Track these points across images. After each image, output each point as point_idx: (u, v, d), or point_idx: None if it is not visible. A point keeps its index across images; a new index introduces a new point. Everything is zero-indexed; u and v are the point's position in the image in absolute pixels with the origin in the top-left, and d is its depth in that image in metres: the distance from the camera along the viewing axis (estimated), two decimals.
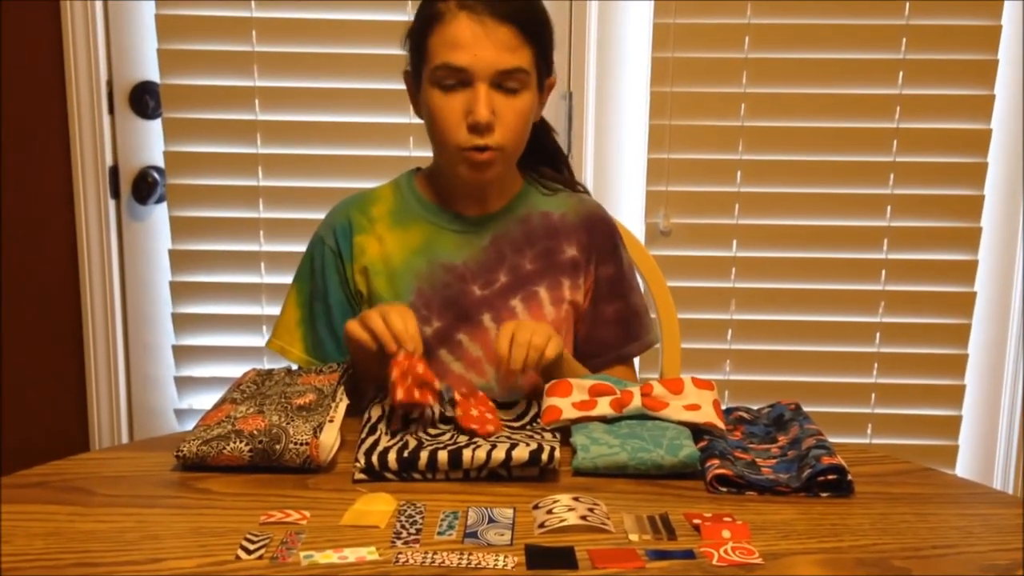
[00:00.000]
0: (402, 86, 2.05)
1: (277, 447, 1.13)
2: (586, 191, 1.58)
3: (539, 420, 1.25)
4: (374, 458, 1.12)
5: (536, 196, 1.50)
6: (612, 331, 1.50)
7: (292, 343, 1.48)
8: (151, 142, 2.16)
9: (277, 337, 1.49)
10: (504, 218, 1.47)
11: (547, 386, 1.28)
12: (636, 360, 1.58)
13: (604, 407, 1.23)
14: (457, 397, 1.25)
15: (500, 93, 1.34)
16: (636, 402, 1.22)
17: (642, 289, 1.59)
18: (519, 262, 1.45)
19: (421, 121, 2.04)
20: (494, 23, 1.32)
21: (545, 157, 1.54)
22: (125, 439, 2.24)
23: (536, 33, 1.37)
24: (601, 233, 1.51)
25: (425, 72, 1.36)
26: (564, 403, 1.24)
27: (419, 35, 1.37)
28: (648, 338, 1.53)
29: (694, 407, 1.22)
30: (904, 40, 2.07)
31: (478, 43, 1.31)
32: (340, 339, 1.44)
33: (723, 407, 1.32)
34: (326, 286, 1.47)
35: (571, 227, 1.49)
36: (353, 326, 1.29)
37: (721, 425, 1.22)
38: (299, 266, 1.51)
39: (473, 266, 1.44)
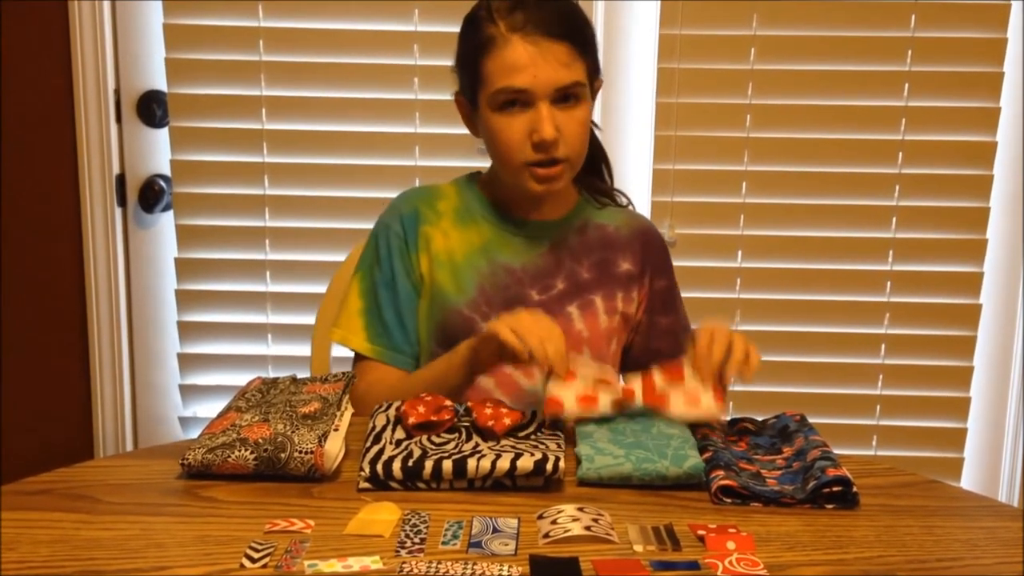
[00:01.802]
0: (409, 95, 2.10)
1: (282, 455, 1.13)
2: (630, 202, 1.60)
3: (544, 428, 1.25)
4: (379, 467, 1.12)
5: (590, 208, 1.53)
6: (667, 342, 1.52)
7: (354, 331, 1.47)
8: (158, 150, 2.16)
9: (339, 327, 1.49)
10: (562, 227, 1.49)
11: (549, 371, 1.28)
12: None
13: (605, 406, 1.24)
14: (470, 404, 1.26)
15: (560, 108, 1.36)
16: (638, 400, 1.24)
17: None
18: (576, 270, 1.48)
19: (426, 130, 2.10)
20: (548, 42, 1.34)
21: (590, 158, 1.53)
22: (130, 447, 2.24)
23: (587, 43, 1.39)
24: (655, 248, 1.54)
25: (483, 96, 1.38)
26: (567, 394, 1.24)
27: (471, 60, 1.38)
28: None
29: (694, 400, 1.23)
30: (910, 52, 2.07)
31: (535, 64, 1.33)
32: (406, 326, 1.46)
33: (728, 418, 1.32)
34: (393, 272, 1.47)
35: (625, 241, 1.51)
36: (508, 334, 1.26)
37: (721, 417, 1.24)
38: (362, 255, 1.52)
39: (531, 270, 1.46)
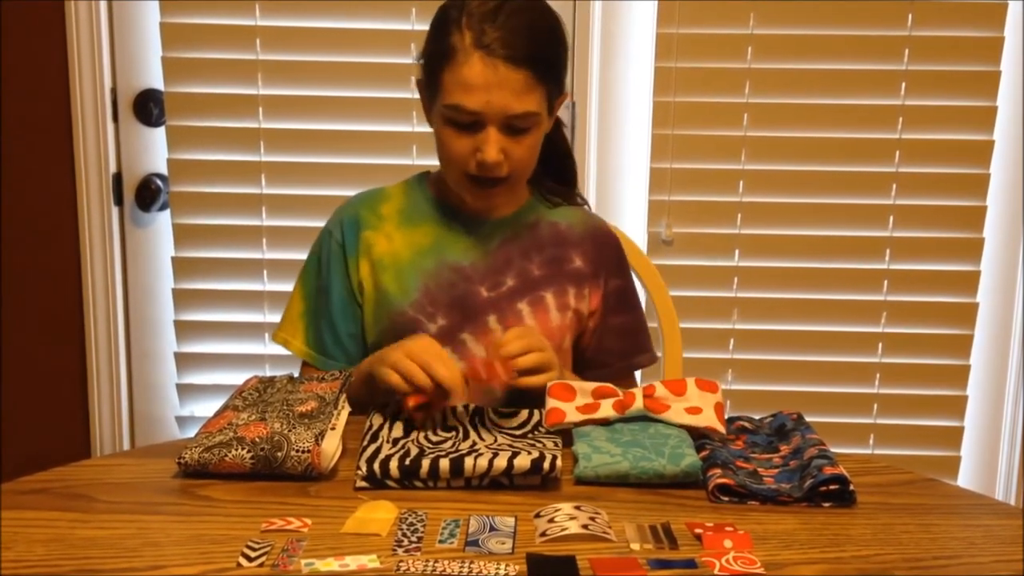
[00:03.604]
0: (406, 94, 2.10)
1: (279, 454, 1.13)
2: (585, 202, 1.59)
3: (542, 427, 1.25)
4: (376, 466, 1.12)
5: (542, 207, 1.53)
6: (619, 342, 1.51)
7: (294, 335, 1.50)
8: (155, 149, 2.16)
9: (281, 329, 1.51)
10: (512, 224, 1.49)
11: (549, 386, 1.28)
12: (638, 374, 1.59)
13: (607, 409, 1.24)
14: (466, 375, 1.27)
15: (509, 134, 1.35)
16: (638, 403, 1.23)
17: (643, 300, 1.61)
18: (526, 267, 1.47)
19: (424, 129, 2.09)
20: (507, 68, 1.31)
21: (554, 164, 1.54)
22: (127, 446, 2.24)
23: (551, 69, 1.37)
24: (609, 247, 1.53)
25: (437, 102, 1.37)
26: (568, 407, 1.24)
27: (433, 64, 1.37)
28: (653, 352, 1.56)
29: (695, 410, 1.23)
30: (907, 51, 2.07)
31: (490, 89, 1.31)
32: (339, 335, 1.47)
33: (725, 415, 1.32)
34: (330, 280, 1.48)
35: (578, 239, 1.51)
36: (390, 375, 1.26)
37: (721, 429, 1.23)
38: (306, 260, 1.53)
39: (481, 268, 1.46)
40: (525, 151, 1.38)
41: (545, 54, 1.35)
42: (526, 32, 1.33)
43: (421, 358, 1.25)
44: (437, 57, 1.36)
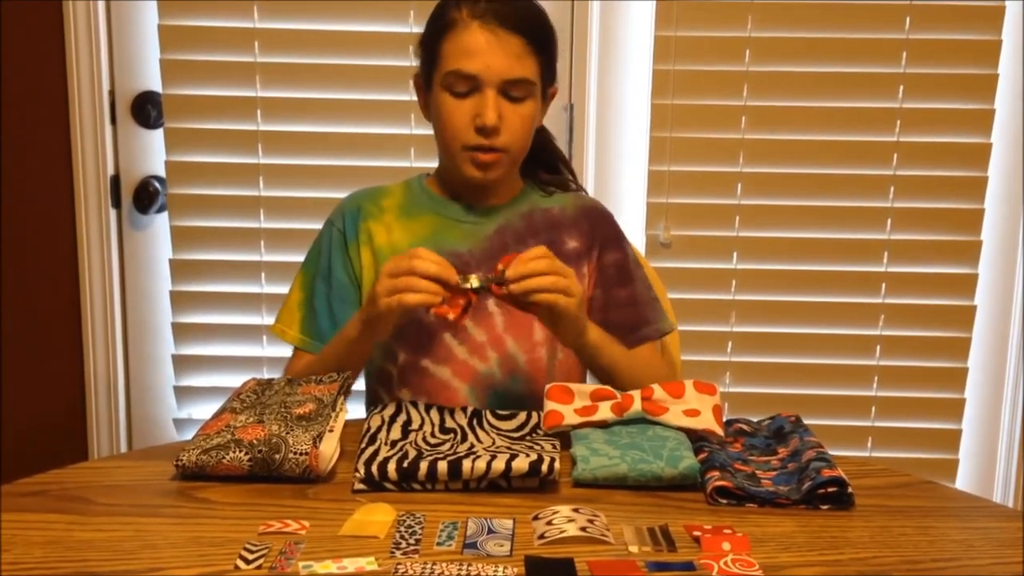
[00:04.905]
0: (404, 96, 2.10)
1: (277, 457, 1.12)
2: (583, 189, 1.62)
3: (540, 429, 1.25)
4: (374, 468, 1.12)
5: (536, 196, 1.55)
6: (628, 313, 1.51)
7: (290, 324, 1.51)
8: (153, 152, 2.16)
9: (279, 320, 1.53)
10: (508, 211, 1.52)
11: (548, 388, 1.28)
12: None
13: (605, 411, 1.24)
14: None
15: (506, 100, 1.40)
16: (637, 406, 1.24)
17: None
18: (521, 252, 1.47)
19: (422, 132, 2.10)
20: (505, 33, 1.38)
21: (545, 160, 1.58)
22: (124, 448, 2.24)
23: (543, 44, 1.43)
24: (601, 223, 1.55)
25: (436, 76, 1.42)
26: (566, 409, 1.25)
27: (431, 41, 1.43)
28: (661, 325, 1.54)
29: (694, 412, 1.23)
30: (904, 54, 2.07)
31: (490, 51, 1.38)
32: (335, 317, 1.48)
33: (724, 417, 1.32)
34: (331, 265, 1.51)
35: (571, 220, 1.53)
36: (388, 303, 1.28)
37: (720, 432, 1.23)
38: (307, 253, 1.55)
39: (478, 254, 1.48)
40: (520, 122, 1.42)
41: (536, 30, 1.42)
42: (518, 7, 1.41)
43: (401, 270, 1.27)
44: (436, 32, 1.42)
